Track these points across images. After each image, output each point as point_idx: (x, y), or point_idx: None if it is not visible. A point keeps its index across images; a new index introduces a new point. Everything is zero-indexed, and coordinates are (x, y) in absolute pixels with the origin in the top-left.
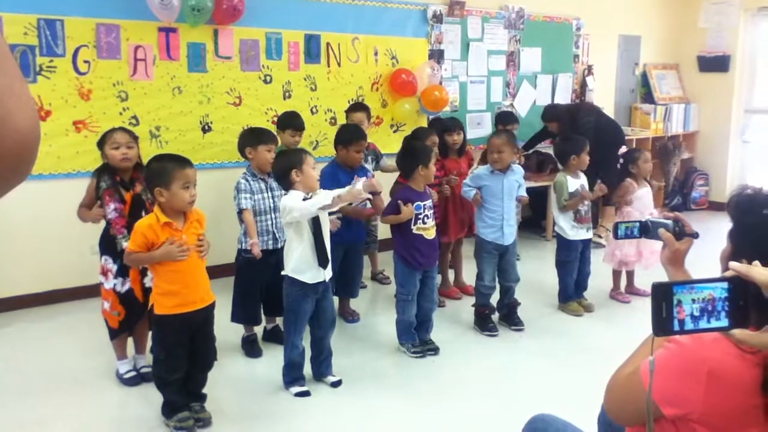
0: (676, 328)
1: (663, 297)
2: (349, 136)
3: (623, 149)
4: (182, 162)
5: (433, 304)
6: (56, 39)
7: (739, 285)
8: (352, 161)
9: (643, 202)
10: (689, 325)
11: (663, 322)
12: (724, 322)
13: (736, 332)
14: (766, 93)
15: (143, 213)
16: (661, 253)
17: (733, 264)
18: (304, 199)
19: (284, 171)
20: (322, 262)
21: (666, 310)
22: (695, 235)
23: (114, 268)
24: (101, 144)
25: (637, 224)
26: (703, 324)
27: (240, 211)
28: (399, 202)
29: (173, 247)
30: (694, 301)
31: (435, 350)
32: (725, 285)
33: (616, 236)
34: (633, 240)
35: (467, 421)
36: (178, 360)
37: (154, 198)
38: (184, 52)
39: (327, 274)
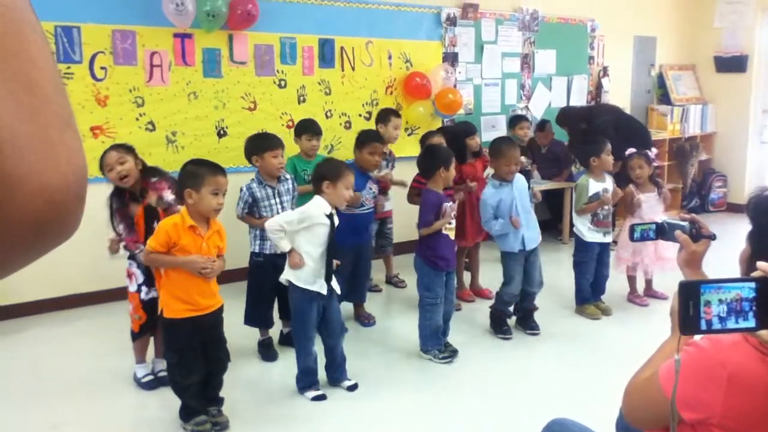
0: (704, 327)
1: (690, 295)
2: (363, 137)
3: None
4: (216, 169)
5: (452, 306)
6: (73, 45)
7: (766, 285)
8: (365, 163)
9: (648, 206)
10: (716, 325)
11: (690, 321)
12: (751, 323)
13: (764, 333)
14: None
15: (155, 222)
16: (678, 256)
17: (761, 264)
18: (328, 215)
19: (319, 178)
20: (328, 277)
21: (693, 309)
22: (712, 237)
23: (138, 273)
24: (101, 168)
25: (653, 226)
26: (730, 324)
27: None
28: (446, 205)
29: (200, 259)
30: (721, 301)
31: (454, 352)
32: (753, 285)
33: (632, 238)
34: (629, 244)
35: (484, 423)
36: (190, 363)
37: (182, 199)
38: (199, 58)
39: (334, 285)
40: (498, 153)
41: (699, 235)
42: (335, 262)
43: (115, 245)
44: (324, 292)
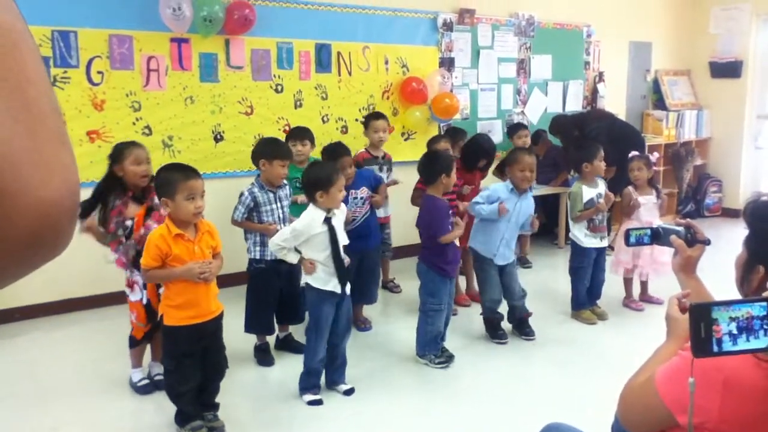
0: (715, 349)
1: (701, 317)
2: (328, 152)
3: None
4: (187, 173)
5: (451, 311)
6: (70, 50)
7: None
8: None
9: (646, 209)
10: (728, 345)
11: (702, 343)
12: (764, 342)
13: None
14: None
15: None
16: (672, 261)
17: None
18: (325, 219)
19: (310, 188)
20: (342, 280)
21: (705, 331)
22: (707, 242)
23: (140, 280)
24: (117, 157)
25: (648, 231)
26: (742, 343)
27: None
28: (455, 217)
29: (195, 265)
30: (731, 319)
31: (450, 357)
32: (764, 305)
33: (627, 243)
34: (630, 248)
35: (480, 428)
36: (188, 370)
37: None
38: (196, 63)
39: (347, 287)
40: (512, 159)
41: (694, 240)
42: (346, 260)
43: (95, 232)
44: (338, 291)
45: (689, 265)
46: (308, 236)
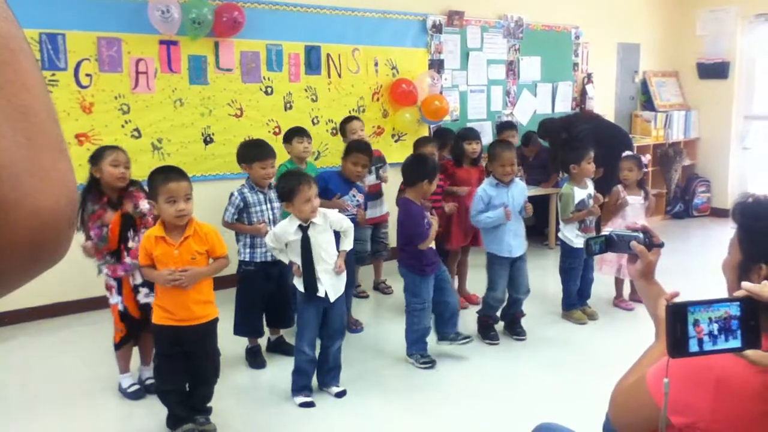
0: (693, 348)
1: (677, 318)
2: (348, 147)
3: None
4: (167, 175)
5: (455, 297)
6: (58, 53)
7: (750, 305)
8: (348, 173)
9: (633, 210)
10: (707, 345)
11: (678, 343)
12: (737, 342)
13: (750, 353)
14: (765, 99)
15: (131, 231)
16: (629, 267)
17: (745, 284)
18: (300, 226)
19: (280, 198)
20: (306, 285)
21: (680, 331)
22: (662, 245)
23: (115, 285)
24: (96, 159)
25: (603, 239)
26: (719, 343)
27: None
28: (430, 216)
29: (166, 271)
30: (711, 320)
31: (467, 338)
32: (738, 304)
33: (588, 253)
34: None
35: (472, 428)
36: (170, 369)
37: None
38: (185, 65)
39: (335, 290)
40: (492, 156)
41: (651, 245)
42: (341, 268)
43: (92, 250)
44: (320, 294)
45: (650, 270)
46: (285, 241)
